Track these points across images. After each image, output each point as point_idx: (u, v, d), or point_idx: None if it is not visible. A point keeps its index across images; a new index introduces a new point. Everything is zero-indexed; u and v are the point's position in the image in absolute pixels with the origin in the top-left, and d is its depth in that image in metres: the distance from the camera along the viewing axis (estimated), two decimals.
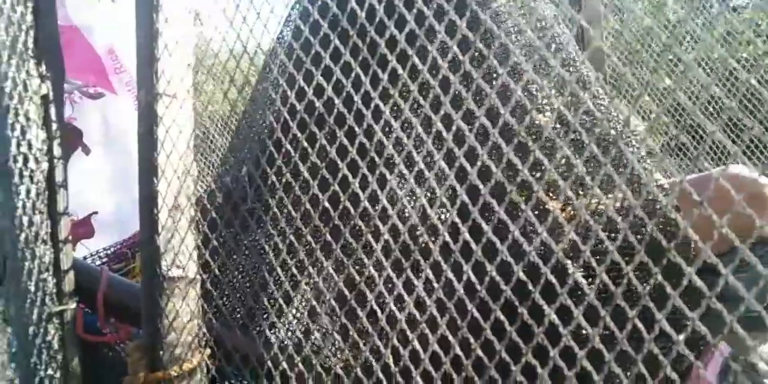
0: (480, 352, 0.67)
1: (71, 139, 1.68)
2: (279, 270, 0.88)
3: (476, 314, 0.68)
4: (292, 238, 0.89)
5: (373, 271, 0.79)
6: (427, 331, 0.72)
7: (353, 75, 0.79)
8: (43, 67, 0.95)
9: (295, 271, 0.94)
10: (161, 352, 0.92)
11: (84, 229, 1.64)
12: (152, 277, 0.97)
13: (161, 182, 0.95)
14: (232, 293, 1.17)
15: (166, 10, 1.01)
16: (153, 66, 0.99)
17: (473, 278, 0.67)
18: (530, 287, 0.63)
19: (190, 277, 0.97)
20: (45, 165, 0.94)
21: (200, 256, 0.98)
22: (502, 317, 0.66)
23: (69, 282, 0.94)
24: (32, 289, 0.85)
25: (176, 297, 0.95)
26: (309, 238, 0.84)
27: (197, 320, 0.96)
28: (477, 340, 0.68)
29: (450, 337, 0.70)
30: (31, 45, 0.93)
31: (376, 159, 0.77)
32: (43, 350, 0.90)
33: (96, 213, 1.71)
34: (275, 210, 0.92)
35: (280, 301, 1.02)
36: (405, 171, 0.78)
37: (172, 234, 0.95)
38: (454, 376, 0.70)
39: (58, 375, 0.93)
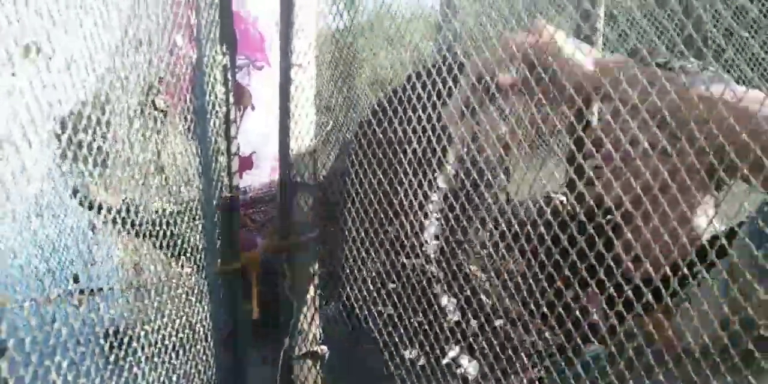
0: None
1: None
2: None
3: None
4: None
5: None
6: None
7: None
8: (224, 47, 1.52)
9: None
10: (287, 229, 1.49)
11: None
12: (286, 183, 1.52)
13: (291, 120, 1.49)
14: None
15: (298, 4, 1.54)
16: (289, 45, 1.52)
17: None
18: None
19: (309, 183, 1.51)
20: (224, 109, 1.51)
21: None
22: None
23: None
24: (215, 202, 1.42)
25: (299, 197, 1.50)
26: None
27: (311, 212, 1.50)
28: None
29: None
30: (217, 32, 1.50)
31: None
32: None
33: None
34: None
35: None
36: None
37: (300, 152, 1.50)
38: None
39: None
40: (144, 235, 1.52)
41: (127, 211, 1.44)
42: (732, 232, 0.84)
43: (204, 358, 1.31)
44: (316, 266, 1.50)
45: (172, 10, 1.33)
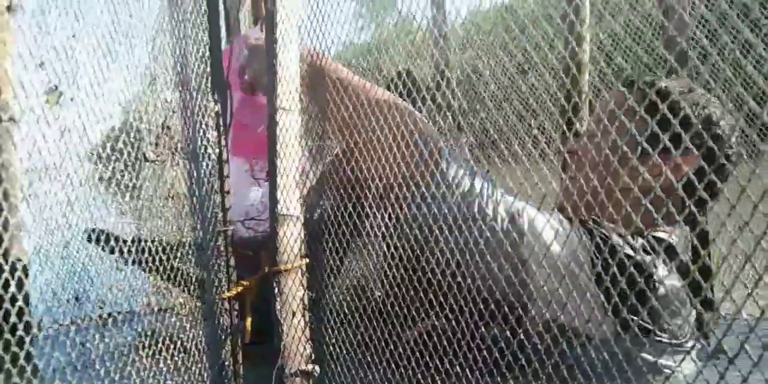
0: None
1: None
2: None
3: None
4: None
5: None
6: None
7: None
8: (215, 95, 1.69)
9: None
10: (278, 255, 1.64)
11: None
12: (275, 215, 1.68)
13: (278, 159, 1.65)
14: None
15: (281, 54, 1.70)
16: (274, 91, 1.69)
17: None
18: None
19: (295, 215, 1.66)
20: (217, 151, 1.67)
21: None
22: None
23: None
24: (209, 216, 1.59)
25: (286, 227, 1.66)
26: None
27: (299, 241, 1.65)
28: None
29: None
30: (208, 83, 1.67)
31: None
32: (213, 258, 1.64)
33: None
34: None
35: None
36: None
37: (287, 187, 1.66)
38: None
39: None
40: (152, 269, 1.69)
41: (140, 242, 1.62)
42: None
43: (200, 379, 1.46)
44: (303, 291, 1.65)
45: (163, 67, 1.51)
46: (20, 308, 1.03)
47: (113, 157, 1.43)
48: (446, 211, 1.11)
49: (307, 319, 1.66)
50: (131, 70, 1.59)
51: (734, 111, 1.39)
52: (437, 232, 1.04)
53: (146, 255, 1.58)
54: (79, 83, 1.43)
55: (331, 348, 1.55)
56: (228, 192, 1.67)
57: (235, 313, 1.65)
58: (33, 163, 1.30)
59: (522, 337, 0.94)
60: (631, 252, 1.18)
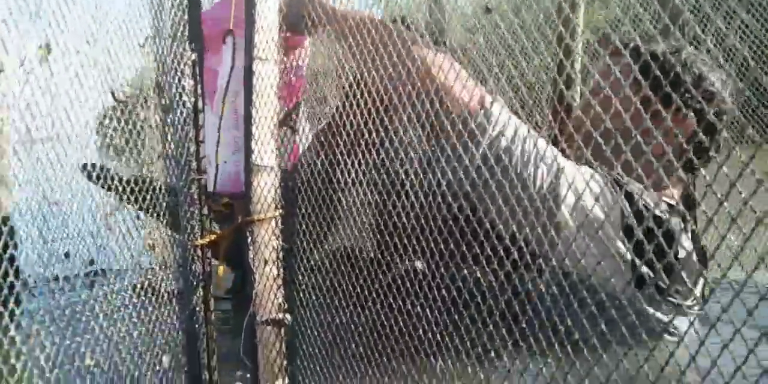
0: None
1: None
2: None
3: None
4: None
5: None
6: None
7: None
8: (192, 44, 1.68)
9: None
10: (251, 205, 1.66)
11: None
12: (250, 166, 1.69)
13: (254, 109, 1.65)
14: None
15: (259, 3, 1.69)
16: (252, 40, 1.68)
17: None
18: None
19: (269, 166, 1.67)
20: (192, 100, 1.67)
21: None
22: None
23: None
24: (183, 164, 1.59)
25: (260, 177, 1.67)
26: None
27: (274, 191, 1.67)
28: None
29: None
30: (186, 31, 1.66)
31: None
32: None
33: None
34: None
35: None
36: None
37: (262, 138, 1.66)
38: None
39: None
40: (147, 209, 1.71)
41: (135, 183, 1.63)
42: None
43: (168, 320, 1.49)
44: (277, 240, 1.67)
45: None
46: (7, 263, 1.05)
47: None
48: (488, 153, 1.11)
49: (280, 268, 1.69)
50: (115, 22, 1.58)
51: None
52: (475, 173, 1.02)
53: (142, 194, 1.60)
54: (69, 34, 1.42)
55: (305, 295, 1.59)
56: (202, 142, 1.67)
57: (208, 261, 1.67)
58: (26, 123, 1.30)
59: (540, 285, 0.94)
60: (658, 212, 1.20)
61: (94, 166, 1.85)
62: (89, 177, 1.85)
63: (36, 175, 1.51)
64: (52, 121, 1.21)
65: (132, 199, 1.63)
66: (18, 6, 1.31)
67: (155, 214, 1.73)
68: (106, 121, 1.70)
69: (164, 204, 1.62)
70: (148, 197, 1.59)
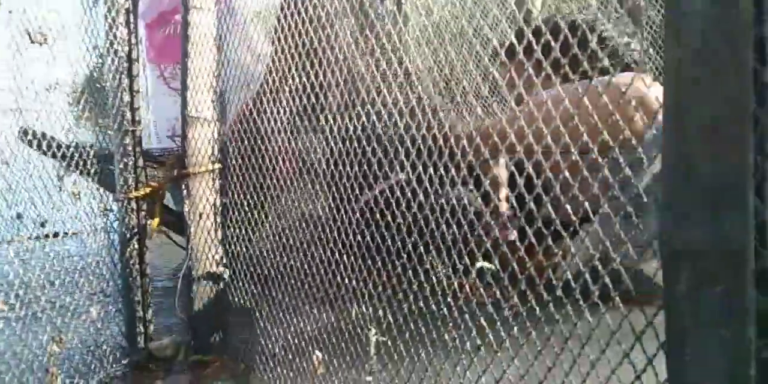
0: None
1: None
2: None
3: None
4: None
5: None
6: None
7: None
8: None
9: None
10: (187, 158, 1.63)
11: None
12: (186, 118, 1.66)
13: (189, 59, 1.62)
14: None
15: None
16: None
17: None
18: None
19: (204, 117, 1.64)
20: (126, 48, 1.62)
21: None
22: None
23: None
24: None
25: (195, 129, 1.64)
26: None
27: (210, 143, 1.64)
28: None
29: None
30: None
31: None
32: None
33: None
34: None
35: None
36: None
37: (197, 89, 1.63)
38: None
39: None
40: (85, 173, 1.68)
41: (68, 148, 1.59)
42: None
43: (98, 271, 1.48)
44: (215, 195, 1.65)
45: None
46: None
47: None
48: None
49: (218, 221, 1.68)
50: None
51: None
52: None
53: (80, 159, 1.56)
54: None
55: (239, 248, 1.58)
56: (137, 91, 1.63)
57: (143, 213, 1.65)
58: None
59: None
60: None
61: (33, 132, 1.80)
62: (30, 144, 1.80)
63: None
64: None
65: (71, 164, 1.59)
66: None
67: (93, 179, 1.70)
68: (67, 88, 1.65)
69: (99, 168, 1.59)
70: (86, 162, 1.55)
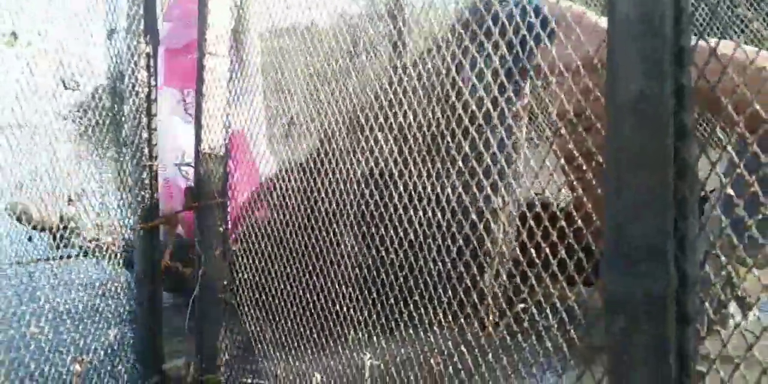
0: None
1: None
2: None
3: None
4: None
5: None
6: None
7: None
8: (147, 37, 1.78)
9: None
10: (200, 192, 1.77)
11: None
12: (200, 155, 1.80)
13: (203, 99, 1.77)
14: None
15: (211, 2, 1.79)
16: (203, 36, 1.78)
17: None
18: None
19: (218, 154, 1.79)
20: (146, 90, 1.77)
21: None
22: None
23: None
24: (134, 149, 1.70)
25: (209, 164, 1.79)
26: None
27: (220, 179, 1.78)
28: None
29: None
30: (141, 25, 1.76)
31: None
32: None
33: None
34: None
35: None
36: None
37: (211, 128, 1.78)
38: None
39: None
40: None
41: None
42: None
43: (119, 292, 1.61)
44: (223, 226, 1.78)
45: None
46: None
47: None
48: None
49: (225, 250, 1.80)
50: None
51: None
52: None
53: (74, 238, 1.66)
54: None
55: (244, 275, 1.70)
56: (155, 129, 1.78)
57: (157, 242, 1.78)
58: None
59: None
60: None
61: (15, 208, 1.88)
62: (18, 220, 1.87)
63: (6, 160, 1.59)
64: (2, 108, 1.31)
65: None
66: None
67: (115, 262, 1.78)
68: (77, 112, 1.79)
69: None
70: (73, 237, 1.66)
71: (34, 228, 1.67)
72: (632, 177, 0.70)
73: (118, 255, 1.67)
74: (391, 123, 1.24)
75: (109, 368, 1.52)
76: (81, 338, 1.43)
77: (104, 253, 1.65)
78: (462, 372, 1.03)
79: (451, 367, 1.05)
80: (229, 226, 1.71)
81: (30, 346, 1.28)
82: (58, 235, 1.57)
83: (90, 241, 1.67)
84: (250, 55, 1.82)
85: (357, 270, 1.25)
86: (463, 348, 1.04)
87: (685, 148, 0.69)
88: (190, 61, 2.15)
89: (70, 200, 1.87)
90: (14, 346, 1.25)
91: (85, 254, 1.79)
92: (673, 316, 0.69)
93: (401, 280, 1.14)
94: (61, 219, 1.81)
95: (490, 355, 0.98)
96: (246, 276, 1.68)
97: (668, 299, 0.68)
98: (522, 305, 0.92)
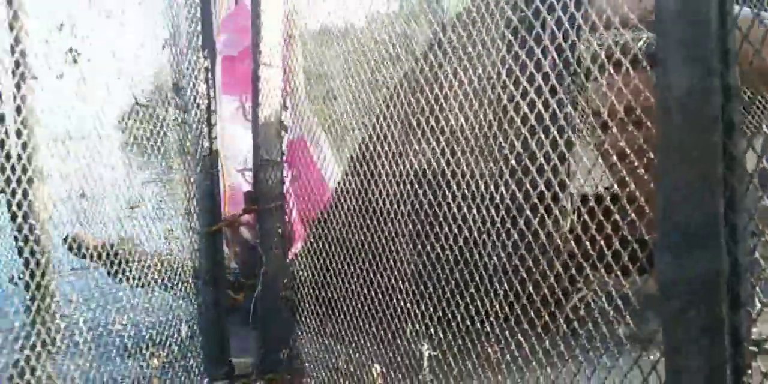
0: None
1: None
2: None
3: None
4: None
5: None
6: None
7: None
8: (205, 52, 1.88)
9: None
10: (259, 196, 1.87)
11: None
12: (258, 160, 1.89)
13: (260, 109, 1.86)
14: None
15: (264, 12, 1.89)
16: (257, 48, 1.88)
17: None
18: None
19: (275, 160, 1.88)
20: (206, 102, 1.88)
21: None
22: None
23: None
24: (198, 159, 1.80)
25: (266, 171, 1.88)
26: None
27: (278, 183, 1.87)
28: None
29: None
30: (199, 42, 1.86)
31: None
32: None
33: None
34: None
35: None
36: None
37: (268, 135, 1.88)
38: None
39: None
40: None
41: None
42: None
43: (188, 293, 1.71)
44: (281, 228, 1.88)
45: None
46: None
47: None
48: None
49: (286, 251, 1.90)
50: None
51: None
52: None
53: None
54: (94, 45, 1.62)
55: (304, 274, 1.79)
56: (215, 138, 1.88)
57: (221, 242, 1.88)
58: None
59: None
60: None
61: (74, 239, 1.93)
62: (70, 248, 1.93)
63: (70, 170, 1.71)
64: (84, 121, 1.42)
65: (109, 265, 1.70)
66: (54, 22, 1.51)
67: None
68: (131, 122, 1.90)
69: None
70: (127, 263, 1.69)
71: (87, 257, 1.72)
72: (685, 171, 0.75)
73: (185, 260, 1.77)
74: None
75: (182, 363, 1.62)
76: (157, 335, 1.53)
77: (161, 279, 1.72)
78: (519, 359, 1.08)
79: (508, 355, 1.10)
80: (290, 228, 1.80)
81: (115, 342, 1.39)
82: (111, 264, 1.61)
83: (148, 268, 1.69)
84: (300, 65, 1.91)
85: (413, 266, 1.32)
86: (519, 336, 1.10)
87: (733, 143, 0.73)
88: (246, 67, 2.22)
89: (132, 207, 1.98)
90: (102, 343, 1.35)
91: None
92: (725, 300, 0.73)
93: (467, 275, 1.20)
94: (120, 241, 1.83)
95: (547, 342, 1.04)
96: (307, 274, 1.77)
97: (720, 283, 0.73)
98: (580, 295, 0.97)
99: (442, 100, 1.32)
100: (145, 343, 1.48)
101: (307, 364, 1.77)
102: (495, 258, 1.14)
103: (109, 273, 1.69)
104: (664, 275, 0.77)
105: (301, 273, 1.81)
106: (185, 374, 1.63)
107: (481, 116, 1.19)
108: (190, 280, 1.74)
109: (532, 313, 1.06)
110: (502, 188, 1.12)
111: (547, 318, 1.03)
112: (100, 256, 1.69)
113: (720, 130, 0.74)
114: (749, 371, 0.74)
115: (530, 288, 1.07)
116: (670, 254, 0.76)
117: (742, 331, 0.74)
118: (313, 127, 1.89)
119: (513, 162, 1.08)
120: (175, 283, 1.68)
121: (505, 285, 1.12)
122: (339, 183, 1.65)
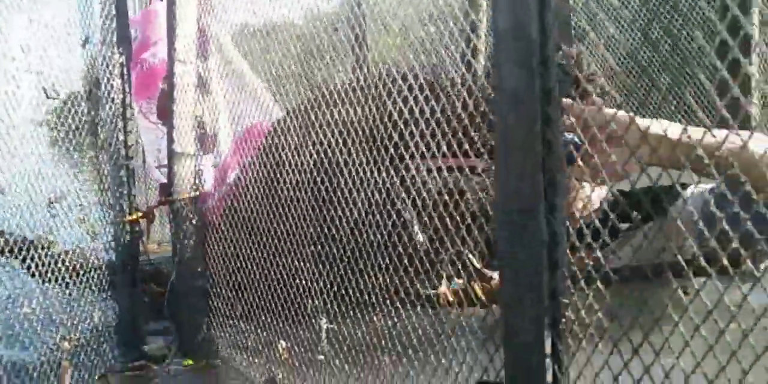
0: None
1: None
2: None
3: None
4: None
5: None
6: None
7: None
8: (120, 48, 1.95)
9: None
10: (173, 188, 1.94)
11: None
12: (172, 152, 1.97)
13: (174, 103, 1.94)
14: None
15: (179, 10, 1.97)
16: (172, 46, 1.96)
17: None
18: None
19: (188, 153, 1.96)
20: (121, 96, 1.94)
21: None
22: None
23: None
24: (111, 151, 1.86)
25: (180, 163, 1.96)
26: None
27: (191, 174, 1.95)
28: None
29: None
30: (114, 37, 1.93)
31: None
32: None
33: None
34: None
35: None
36: None
37: (181, 127, 1.95)
38: None
39: None
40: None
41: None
42: None
43: (100, 282, 1.77)
44: (196, 217, 1.96)
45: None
46: None
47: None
48: None
49: (199, 240, 1.98)
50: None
51: None
52: None
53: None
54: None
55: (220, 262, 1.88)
56: (130, 132, 1.95)
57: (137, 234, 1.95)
58: None
59: None
60: None
61: None
62: None
63: None
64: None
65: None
66: None
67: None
68: (46, 116, 1.94)
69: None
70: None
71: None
72: (515, 155, 0.90)
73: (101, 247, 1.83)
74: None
75: (94, 347, 1.68)
76: (68, 319, 1.59)
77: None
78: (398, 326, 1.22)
79: (389, 323, 1.24)
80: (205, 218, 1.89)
81: (24, 325, 1.45)
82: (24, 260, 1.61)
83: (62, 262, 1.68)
84: (214, 60, 2.00)
85: (312, 247, 1.44)
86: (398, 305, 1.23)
87: (550, 131, 0.89)
88: (137, 74, 2.34)
89: (50, 202, 2.02)
90: (10, 325, 1.41)
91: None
92: (546, 263, 0.89)
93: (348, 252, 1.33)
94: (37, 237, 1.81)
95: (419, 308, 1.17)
96: (217, 262, 1.86)
97: (542, 250, 0.88)
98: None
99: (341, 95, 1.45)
100: (56, 327, 1.54)
101: (220, 347, 1.86)
102: (378, 235, 1.27)
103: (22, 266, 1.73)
104: (501, 248, 0.92)
105: (212, 261, 1.90)
106: (98, 358, 1.69)
107: (367, 111, 1.32)
108: (103, 269, 1.80)
109: (407, 284, 1.20)
110: (384, 174, 1.25)
111: (418, 287, 1.17)
112: (11, 251, 1.71)
113: (540, 121, 0.89)
114: (563, 320, 0.90)
115: (405, 261, 1.20)
116: (507, 229, 0.91)
117: (559, 288, 0.90)
118: (223, 122, 1.98)
119: (392, 150, 1.22)
120: (88, 270, 1.74)
121: (387, 259, 1.25)
122: (242, 172, 1.75)
